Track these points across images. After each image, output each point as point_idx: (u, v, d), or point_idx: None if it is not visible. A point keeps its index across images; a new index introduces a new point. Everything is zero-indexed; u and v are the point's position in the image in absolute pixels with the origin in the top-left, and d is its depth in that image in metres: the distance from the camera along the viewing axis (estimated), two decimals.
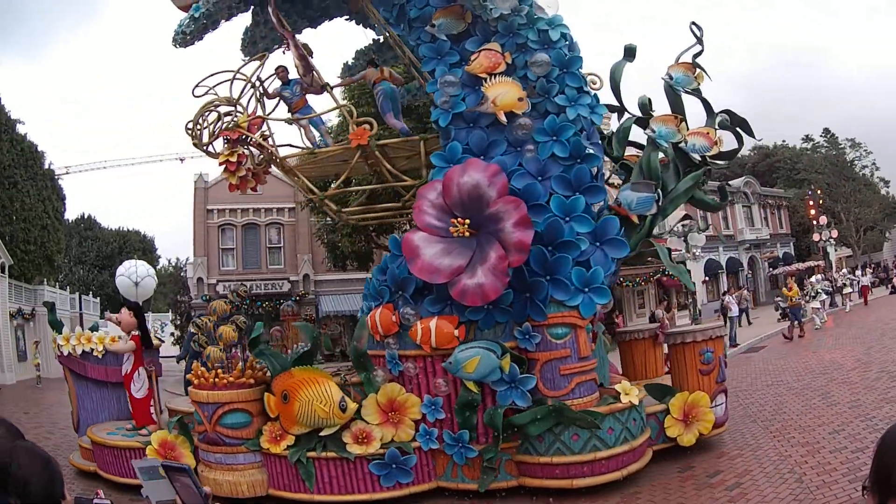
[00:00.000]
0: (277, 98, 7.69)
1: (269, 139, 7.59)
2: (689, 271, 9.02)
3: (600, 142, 6.87)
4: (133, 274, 14.43)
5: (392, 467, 5.92)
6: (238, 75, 7.45)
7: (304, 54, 7.50)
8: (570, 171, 6.07)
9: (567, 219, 5.81)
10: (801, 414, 7.47)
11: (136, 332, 7.17)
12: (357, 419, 6.13)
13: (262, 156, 7.46)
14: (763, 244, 32.18)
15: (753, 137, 7.93)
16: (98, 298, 33.01)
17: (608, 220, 6.13)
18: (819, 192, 31.70)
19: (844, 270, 24.20)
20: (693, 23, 7.44)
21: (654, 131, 6.84)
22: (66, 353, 7.67)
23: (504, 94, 6.18)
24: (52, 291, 25.72)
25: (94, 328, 8.22)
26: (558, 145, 6.10)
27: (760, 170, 40.46)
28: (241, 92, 7.41)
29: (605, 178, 6.99)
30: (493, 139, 6.37)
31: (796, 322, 14.47)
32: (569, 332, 5.82)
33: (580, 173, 6.06)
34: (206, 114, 7.40)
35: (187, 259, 28.60)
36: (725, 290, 22.22)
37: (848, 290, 20.72)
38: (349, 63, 9.17)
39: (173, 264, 41.11)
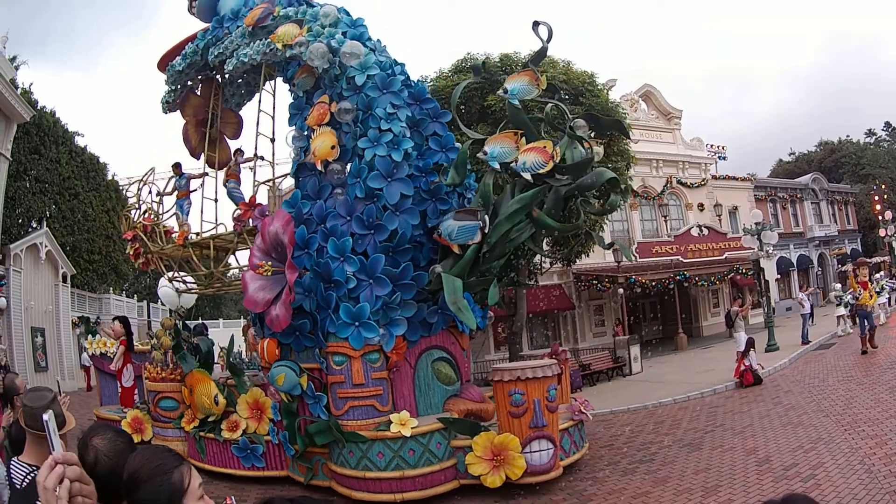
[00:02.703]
0: (175, 190, 9.11)
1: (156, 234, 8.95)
2: (632, 250, 8.18)
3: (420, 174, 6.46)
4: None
5: (247, 452, 6.97)
6: (143, 183, 9.23)
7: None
8: (364, 211, 6.10)
9: (341, 258, 5.95)
10: (870, 408, 7.41)
11: (123, 338, 9.22)
12: (235, 412, 7.32)
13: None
14: (832, 241, 30.49)
15: (629, 138, 6.82)
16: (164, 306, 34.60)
17: (375, 259, 6.03)
18: (884, 186, 30.48)
19: None
20: (536, 22, 6.50)
21: (486, 153, 6.29)
22: (92, 354, 10.09)
23: (320, 144, 6.44)
24: (118, 300, 25.17)
25: (94, 333, 10.32)
26: (358, 187, 6.15)
27: (827, 166, 37.97)
28: (138, 195, 9.29)
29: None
30: (324, 184, 6.68)
31: (868, 329, 11.35)
32: (345, 361, 6.03)
33: (370, 212, 6.06)
34: (125, 215, 9.73)
35: None
36: (799, 287, 20.15)
37: None
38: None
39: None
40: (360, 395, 6.09)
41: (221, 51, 7.97)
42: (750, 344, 11.02)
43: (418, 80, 7.66)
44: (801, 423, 7.30)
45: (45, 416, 1.04)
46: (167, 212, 9.24)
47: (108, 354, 9.64)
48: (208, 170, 9.35)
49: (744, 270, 20.30)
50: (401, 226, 6.09)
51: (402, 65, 7.31)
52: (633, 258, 11.41)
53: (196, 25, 9.01)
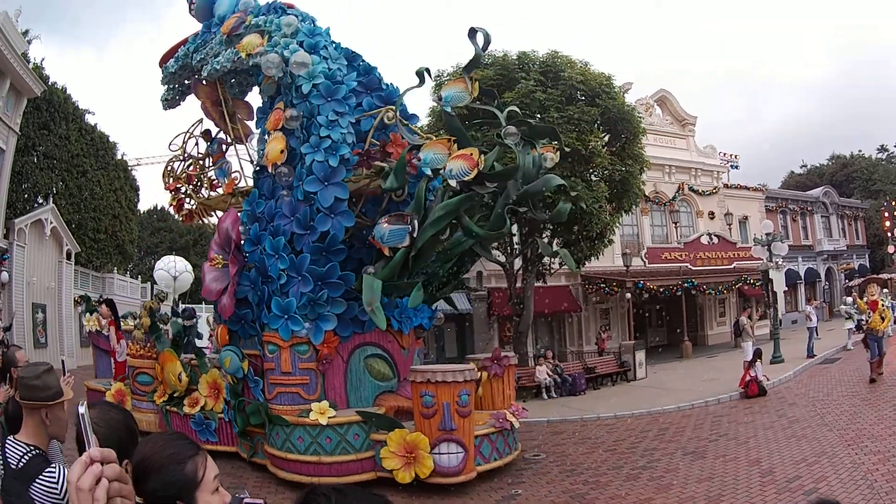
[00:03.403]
0: (209, 155, 10.11)
1: (202, 185, 9.95)
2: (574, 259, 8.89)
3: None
4: (172, 269, 18.98)
5: (203, 427, 8.21)
6: (189, 135, 10.16)
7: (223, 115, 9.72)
8: (301, 212, 7.14)
9: (275, 256, 7.03)
10: (873, 424, 7.95)
11: (111, 319, 10.99)
12: (197, 389, 8.64)
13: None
14: (840, 255, 31.97)
15: (562, 145, 7.46)
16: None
17: (302, 258, 6.99)
18: (894, 203, 31.89)
19: None
20: (472, 29, 7.20)
21: (419, 159, 7.10)
22: (89, 331, 11.91)
23: (271, 148, 7.39)
24: (121, 280, 26.23)
25: (93, 311, 11.91)
26: (299, 190, 7.14)
27: (838, 180, 40.43)
28: (183, 147, 10.16)
29: None
30: (276, 186, 7.73)
31: (878, 353, 11.16)
32: (276, 350, 7.10)
33: (305, 214, 7.08)
34: (168, 167, 10.49)
35: None
36: (806, 300, 20.78)
37: None
38: None
39: None
40: (287, 383, 7.16)
41: (203, 56, 9.11)
42: (757, 354, 11.78)
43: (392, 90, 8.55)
44: (804, 436, 7.85)
45: (81, 409, 1.00)
46: (211, 168, 10.04)
47: (103, 332, 11.26)
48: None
49: (752, 281, 21.07)
50: (333, 227, 7.01)
51: (374, 69, 8.38)
52: (576, 268, 12.23)
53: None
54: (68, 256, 20.88)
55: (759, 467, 6.74)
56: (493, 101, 8.30)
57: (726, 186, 26.31)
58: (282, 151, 7.42)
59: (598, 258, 16.95)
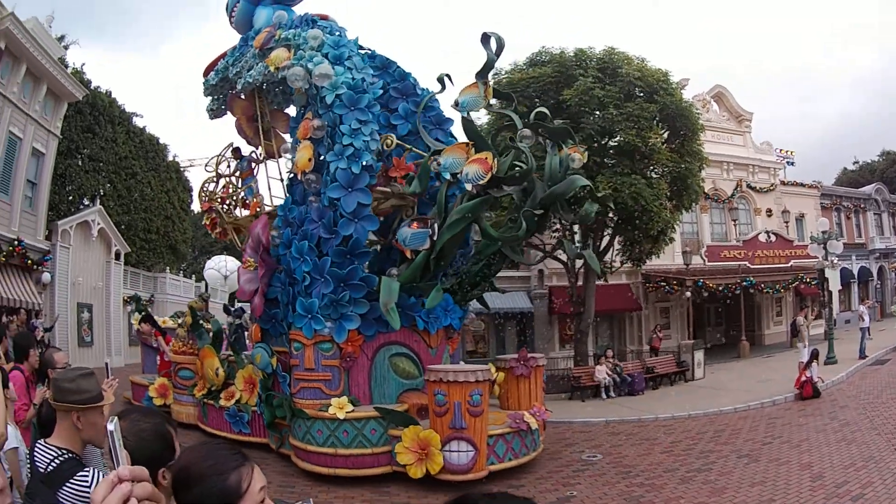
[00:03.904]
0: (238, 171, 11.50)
1: (234, 205, 11.29)
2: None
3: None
4: (223, 268, 20.54)
5: (236, 419, 9.18)
6: (221, 158, 11.60)
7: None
8: (326, 217, 7.93)
9: (301, 259, 7.84)
10: None
11: (156, 331, 12.35)
12: (233, 383, 9.70)
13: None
14: (891, 253, 32.17)
15: (576, 144, 7.89)
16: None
17: (324, 261, 7.73)
18: None
19: None
20: (485, 34, 7.76)
21: (439, 164, 7.72)
22: (137, 329, 13.50)
23: (300, 157, 8.26)
24: (174, 279, 27.73)
25: (141, 310, 13.44)
26: (326, 196, 7.91)
27: (889, 176, 40.53)
28: (216, 169, 11.60)
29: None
30: (307, 192, 8.51)
31: None
32: (301, 347, 7.90)
33: (329, 219, 7.85)
34: (203, 187, 11.96)
35: None
36: (859, 299, 21.31)
37: None
38: None
39: None
40: (310, 378, 7.98)
41: (238, 69, 10.14)
42: (813, 355, 12.14)
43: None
44: (854, 440, 8.25)
45: (110, 426, 0.97)
46: (240, 188, 11.43)
47: (153, 344, 12.76)
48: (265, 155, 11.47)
49: (807, 280, 21.49)
50: (356, 231, 7.76)
51: (409, 74, 9.28)
52: (600, 272, 12.76)
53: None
54: (117, 257, 22.62)
55: (809, 472, 7.11)
56: (511, 104, 8.88)
57: (783, 183, 26.72)
58: (309, 160, 8.24)
59: (658, 256, 17.74)
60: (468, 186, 7.61)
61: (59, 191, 20.82)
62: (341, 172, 7.85)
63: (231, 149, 11.67)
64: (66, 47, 21.89)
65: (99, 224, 20.97)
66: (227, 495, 1.37)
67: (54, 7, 33.96)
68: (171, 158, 29.34)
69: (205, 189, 11.93)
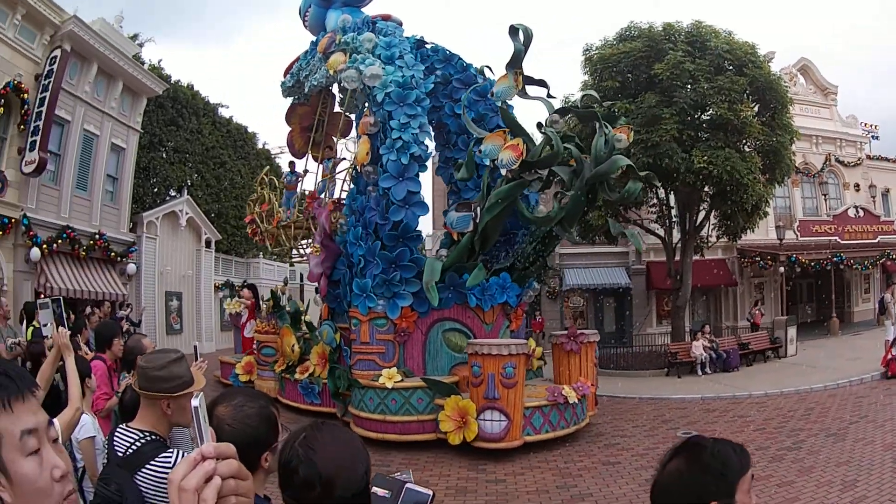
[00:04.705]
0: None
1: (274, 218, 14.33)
2: (642, 239, 10.81)
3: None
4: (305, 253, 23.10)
5: (308, 391, 11.08)
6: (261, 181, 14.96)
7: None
8: (380, 205, 9.51)
9: (357, 243, 9.53)
10: None
11: (252, 301, 14.81)
12: (308, 359, 11.71)
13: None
14: None
15: (605, 127, 8.85)
16: None
17: (375, 245, 9.32)
18: None
19: None
20: (513, 27, 8.83)
21: (481, 151, 9.04)
22: (230, 313, 15.96)
23: (359, 151, 9.92)
24: (267, 264, 30.17)
25: (234, 296, 15.63)
26: (380, 186, 9.46)
27: None
28: (259, 187, 14.98)
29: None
30: (367, 182, 10.11)
31: None
32: (358, 323, 9.51)
33: (382, 206, 9.41)
34: (250, 202, 15.16)
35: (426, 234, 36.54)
36: None
37: None
38: None
39: None
40: (365, 352, 9.59)
41: (307, 73, 12.01)
42: None
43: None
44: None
45: (195, 402, 1.00)
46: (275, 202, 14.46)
47: (240, 311, 15.23)
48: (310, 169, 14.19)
49: (894, 256, 22.65)
50: (406, 217, 9.24)
51: (470, 65, 11.03)
52: (642, 248, 13.77)
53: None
54: (207, 244, 25.07)
55: (892, 452, 7.67)
56: (546, 90, 10.06)
57: (868, 158, 27.43)
58: (367, 153, 9.85)
59: (753, 231, 18.88)
60: (503, 172, 8.92)
61: (142, 183, 22.98)
62: (392, 163, 9.37)
63: (289, 163, 14.92)
64: (140, 45, 24.12)
65: (187, 213, 23.38)
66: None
67: (122, 9, 37.43)
68: (260, 146, 31.58)
69: (249, 205, 15.67)
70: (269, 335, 13.02)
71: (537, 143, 9.66)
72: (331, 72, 10.56)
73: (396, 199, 9.36)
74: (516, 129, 9.15)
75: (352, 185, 11.49)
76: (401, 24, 11.66)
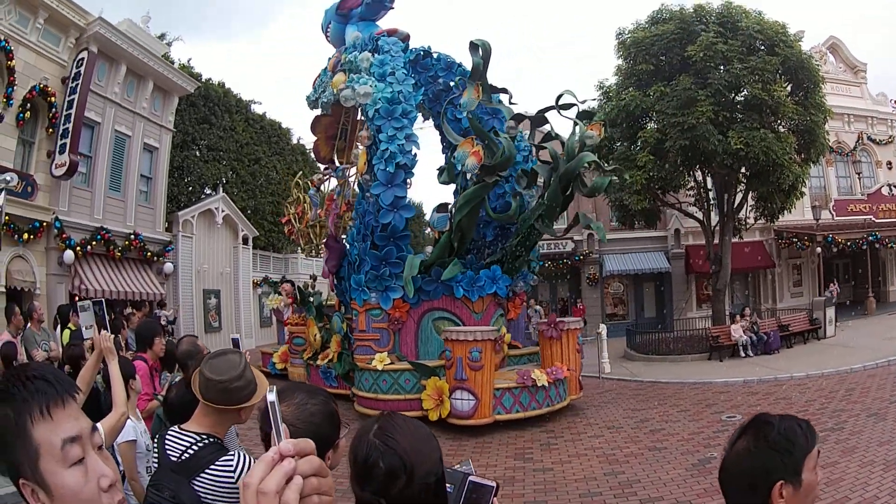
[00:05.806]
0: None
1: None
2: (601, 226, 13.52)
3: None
4: None
5: (326, 375, 13.92)
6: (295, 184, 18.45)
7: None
8: (374, 209, 12.00)
9: (353, 243, 12.25)
10: None
11: (293, 295, 17.39)
12: (329, 346, 14.64)
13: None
14: None
15: (597, 121, 10.94)
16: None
17: (365, 245, 11.76)
18: None
19: None
20: (472, 43, 11.45)
21: (455, 157, 11.37)
22: (272, 308, 19.69)
23: (359, 162, 12.40)
24: (306, 260, 31.94)
25: (275, 292, 18.93)
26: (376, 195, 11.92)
27: None
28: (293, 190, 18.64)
29: None
30: (367, 189, 12.52)
31: None
32: (356, 314, 12.13)
33: (375, 210, 11.86)
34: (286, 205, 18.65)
35: None
36: None
37: None
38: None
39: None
40: (364, 338, 12.22)
41: (322, 90, 14.74)
42: None
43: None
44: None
45: (271, 397, 1.05)
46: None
47: (282, 307, 18.39)
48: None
49: None
50: (394, 219, 11.65)
51: (468, 72, 13.23)
52: (605, 240, 16.73)
53: None
54: (245, 241, 27.19)
55: None
56: (509, 96, 12.58)
57: None
58: (365, 163, 12.49)
59: (790, 211, 21.21)
60: (468, 175, 11.38)
61: (177, 182, 24.83)
62: (381, 172, 11.85)
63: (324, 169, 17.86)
64: (168, 44, 25.87)
65: (223, 211, 25.45)
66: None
67: (148, 9, 39.73)
68: (295, 141, 34.27)
69: (286, 207, 19.48)
70: (299, 326, 16.07)
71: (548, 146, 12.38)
72: (334, 90, 13.43)
73: (385, 203, 11.87)
74: (482, 136, 11.47)
75: (358, 191, 14.55)
76: (407, 38, 14.15)
